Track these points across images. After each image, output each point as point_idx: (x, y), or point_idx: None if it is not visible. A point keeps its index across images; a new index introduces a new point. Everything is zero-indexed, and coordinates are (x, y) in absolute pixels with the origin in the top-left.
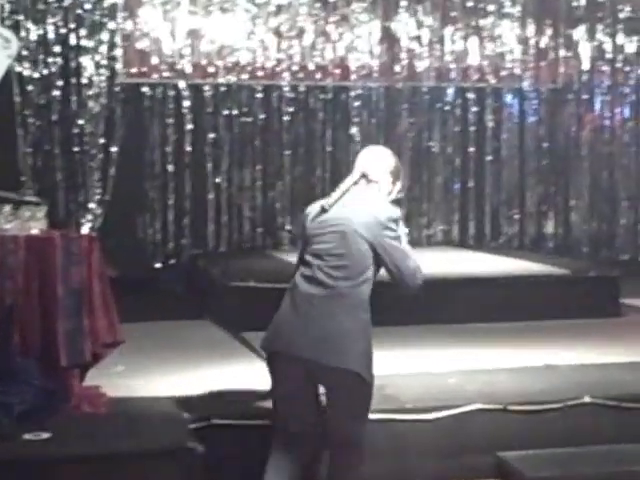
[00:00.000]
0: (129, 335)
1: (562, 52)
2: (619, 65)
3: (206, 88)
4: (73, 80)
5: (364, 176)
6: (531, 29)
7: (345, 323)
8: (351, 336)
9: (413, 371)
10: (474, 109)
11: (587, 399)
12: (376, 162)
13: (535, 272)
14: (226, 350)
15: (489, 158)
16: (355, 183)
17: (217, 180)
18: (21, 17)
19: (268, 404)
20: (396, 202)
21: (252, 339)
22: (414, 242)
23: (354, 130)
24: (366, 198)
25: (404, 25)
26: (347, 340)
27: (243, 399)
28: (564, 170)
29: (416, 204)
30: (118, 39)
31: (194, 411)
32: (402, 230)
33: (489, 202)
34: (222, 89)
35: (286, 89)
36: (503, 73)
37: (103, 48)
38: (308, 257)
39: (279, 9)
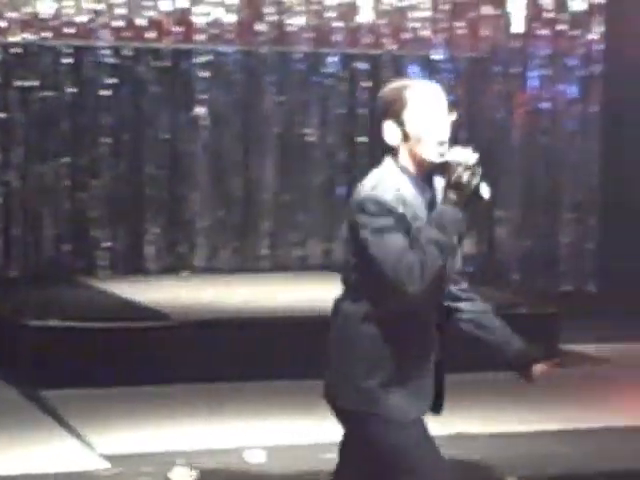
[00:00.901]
0: None
1: (485, 9)
2: (562, 28)
3: None
4: None
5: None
6: None
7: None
8: None
9: None
10: (365, 84)
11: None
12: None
13: None
14: (18, 419)
15: None
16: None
17: (6, 178)
18: None
19: None
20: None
21: (57, 401)
22: (281, 265)
23: (200, 110)
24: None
25: None
26: None
27: None
28: (488, 168)
29: (285, 214)
30: None
31: None
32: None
33: None
34: (14, 51)
35: (104, 52)
36: (405, 36)
37: None
38: None
39: None
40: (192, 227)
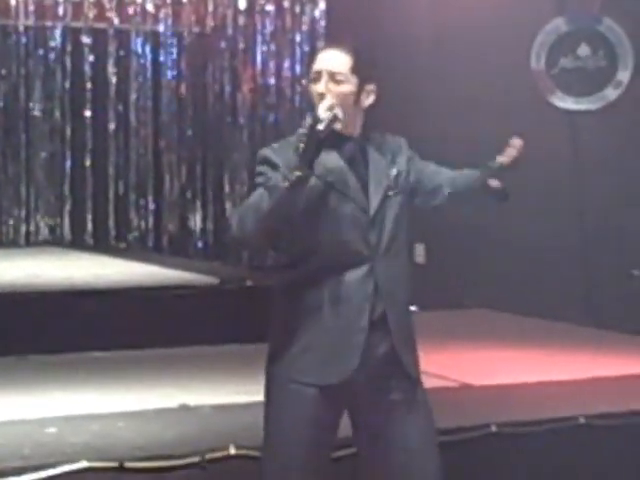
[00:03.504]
0: None
1: None
2: (287, 4)
3: None
4: None
5: None
6: None
7: None
8: None
9: None
10: (90, 59)
11: (232, 450)
12: None
13: (175, 281)
14: None
15: (112, 126)
16: None
17: None
18: None
19: None
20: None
21: None
22: (7, 241)
23: None
24: None
25: None
26: None
27: None
28: (216, 144)
29: (10, 189)
30: None
31: None
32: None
33: (113, 187)
34: None
35: None
36: (130, 10)
37: None
38: None
39: None
40: None
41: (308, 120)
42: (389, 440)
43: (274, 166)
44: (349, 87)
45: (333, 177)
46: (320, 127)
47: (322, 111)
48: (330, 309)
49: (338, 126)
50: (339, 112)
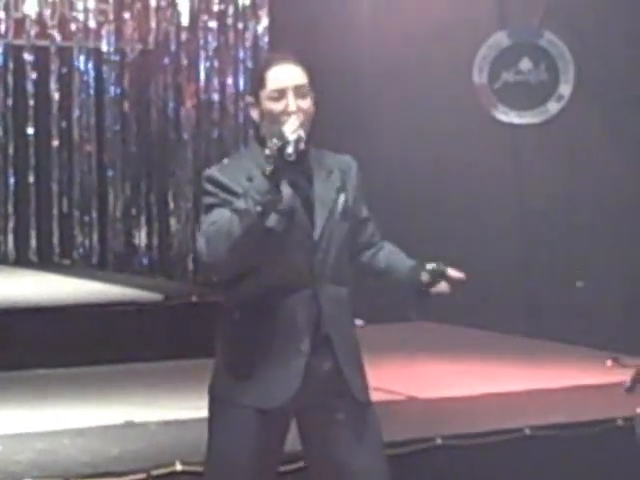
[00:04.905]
0: None
1: (154, 0)
2: (230, 21)
3: None
4: None
5: None
6: None
7: None
8: None
9: None
10: (33, 76)
11: (179, 466)
12: None
13: (120, 298)
14: None
15: (56, 143)
16: None
17: None
18: None
19: None
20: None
21: None
22: None
23: None
24: None
25: None
26: None
27: None
28: (160, 160)
29: None
30: None
31: None
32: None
33: (57, 204)
34: None
35: None
36: (72, 28)
37: None
38: None
39: None
40: None
41: (275, 142)
42: (338, 463)
43: (222, 186)
44: (311, 101)
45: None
46: (289, 150)
47: (289, 133)
48: (272, 332)
49: (302, 146)
50: (302, 132)
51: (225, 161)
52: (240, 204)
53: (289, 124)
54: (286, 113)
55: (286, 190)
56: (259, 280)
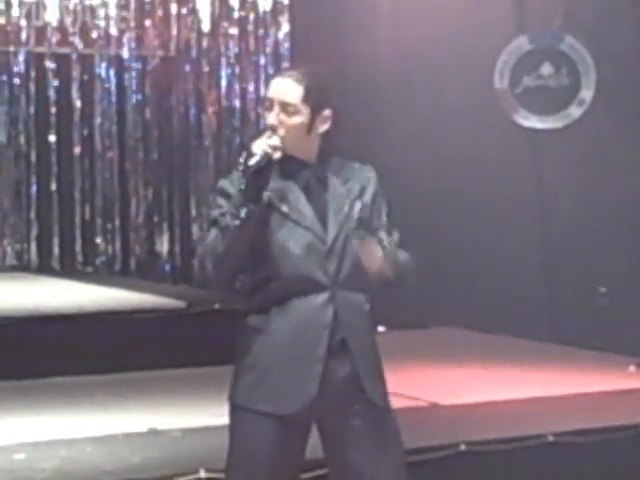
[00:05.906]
0: None
1: (174, 7)
2: (250, 27)
3: None
4: None
5: None
6: None
7: None
8: None
9: None
10: (55, 83)
11: (202, 474)
12: None
13: (143, 305)
14: None
15: (78, 150)
16: None
17: None
18: None
19: None
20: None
21: None
22: None
23: None
24: None
25: None
26: None
27: None
28: (181, 167)
29: None
30: None
31: None
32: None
33: (79, 211)
34: None
35: None
36: (94, 35)
37: None
38: None
39: None
40: None
41: (243, 155)
42: (356, 469)
43: (229, 197)
44: (300, 119)
45: (287, 206)
46: (251, 162)
47: (255, 146)
48: (288, 337)
49: (277, 155)
50: (275, 145)
51: (235, 171)
52: (226, 220)
53: (262, 137)
54: (271, 126)
55: (299, 196)
56: (275, 286)
